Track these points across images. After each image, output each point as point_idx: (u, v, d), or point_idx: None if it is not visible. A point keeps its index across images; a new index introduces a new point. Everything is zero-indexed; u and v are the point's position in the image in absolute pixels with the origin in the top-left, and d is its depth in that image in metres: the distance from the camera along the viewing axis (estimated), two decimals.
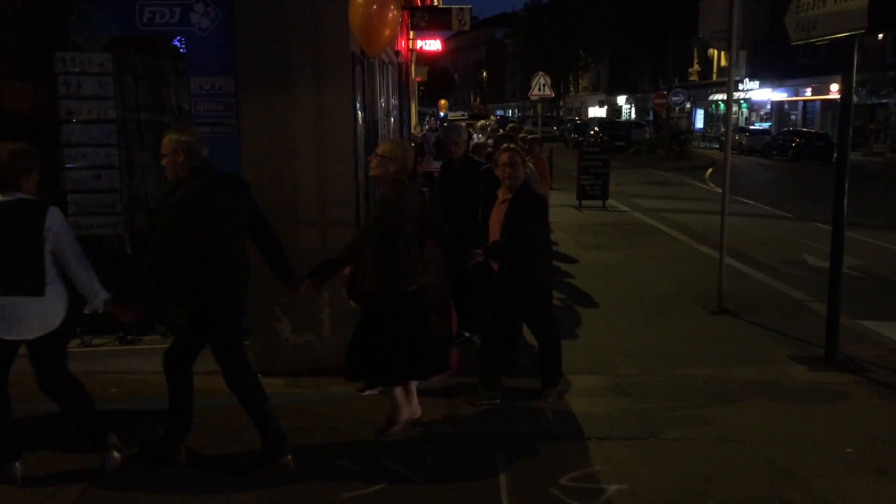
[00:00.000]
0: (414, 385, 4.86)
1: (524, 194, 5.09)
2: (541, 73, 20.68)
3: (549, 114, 55.88)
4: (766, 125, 43.67)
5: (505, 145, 5.40)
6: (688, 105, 43.46)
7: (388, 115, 10.86)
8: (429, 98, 52.94)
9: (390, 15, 5.38)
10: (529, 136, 8.56)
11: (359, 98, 6.27)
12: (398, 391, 4.73)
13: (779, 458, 4.46)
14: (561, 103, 67.61)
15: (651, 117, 47.37)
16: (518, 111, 74.27)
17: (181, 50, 5.86)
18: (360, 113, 6.34)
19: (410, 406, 4.83)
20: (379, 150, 4.62)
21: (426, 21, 14.18)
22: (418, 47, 21.12)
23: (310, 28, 5.49)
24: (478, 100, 73.91)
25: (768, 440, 4.69)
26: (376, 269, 4.52)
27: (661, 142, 34.48)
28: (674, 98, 31.34)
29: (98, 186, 5.72)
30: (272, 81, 5.51)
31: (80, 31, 5.68)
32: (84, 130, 5.72)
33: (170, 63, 5.95)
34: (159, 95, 6.07)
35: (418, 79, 26.32)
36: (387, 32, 5.44)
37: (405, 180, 4.62)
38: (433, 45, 19.89)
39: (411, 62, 20.76)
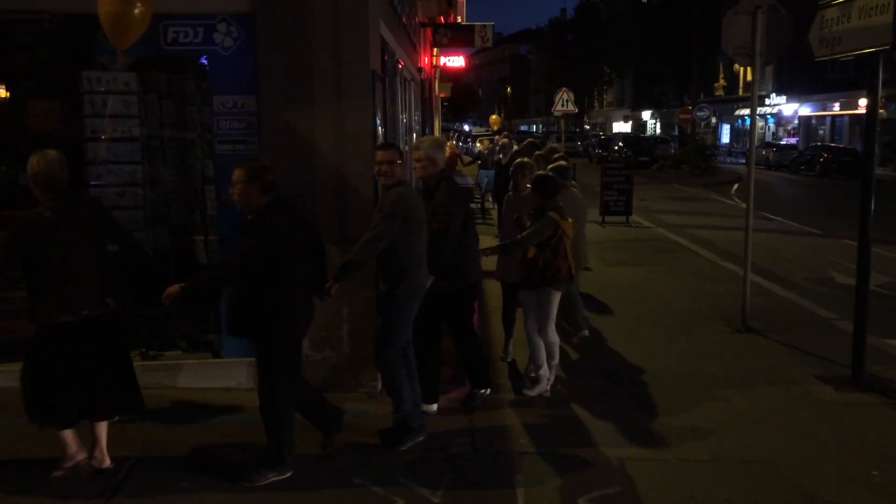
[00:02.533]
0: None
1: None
2: (564, 88, 20.67)
3: (574, 129, 55.78)
4: (793, 140, 43.23)
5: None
6: (713, 120, 43.11)
7: (409, 130, 10.92)
8: (453, 114, 53.10)
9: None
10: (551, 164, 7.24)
11: (379, 115, 6.30)
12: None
13: (803, 480, 4.38)
14: (585, 119, 67.50)
15: (676, 132, 47.10)
16: (542, 126, 74.27)
17: (204, 69, 5.94)
18: (380, 129, 6.38)
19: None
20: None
21: (449, 38, 14.26)
22: (441, 63, 21.23)
23: (330, 46, 5.53)
24: (501, 114, 74.05)
25: (792, 462, 4.61)
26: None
27: (686, 157, 34.22)
28: (699, 113, 31.12)
29: (122, 203, 5.80)
30: (293, 99, 5.56)
31: (106, 50, 5.78)
32: (109, 148, 5.81)
33: (193, 82, 6.03)
34: (182, 114, 6.16)
35: (441, 95, 26.43)
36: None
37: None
38: (456, 61, 19.99)
39: (434, 78, 20.87)
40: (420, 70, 13.38)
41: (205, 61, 5.85)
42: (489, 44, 14.41)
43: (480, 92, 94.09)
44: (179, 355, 5.86)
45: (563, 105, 20.02)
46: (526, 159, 6.83)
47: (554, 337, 5.80)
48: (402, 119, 9.16)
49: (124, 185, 5.83)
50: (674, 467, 4.53)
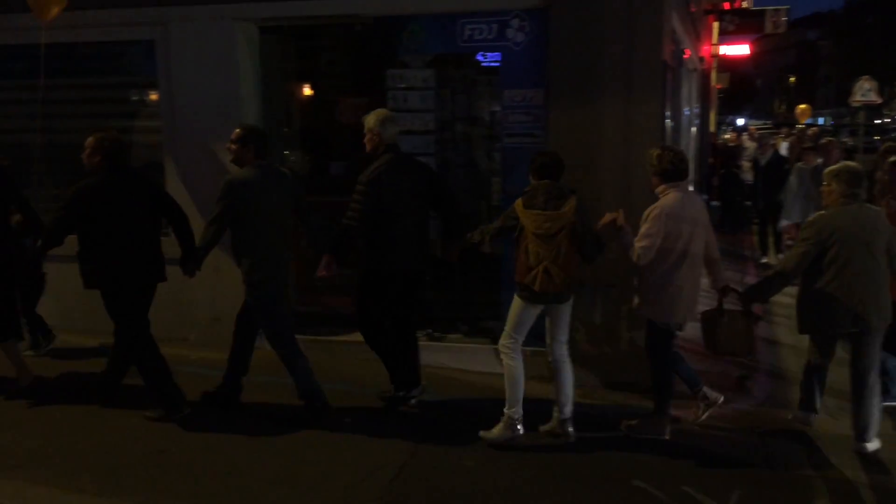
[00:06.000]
0: None
1: None
2: (865, 76, 18.50)
3: (871, 122, 49.79)
4: None
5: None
6: None
7: (690, 123, 10.43)
8: (727, 106, 49.94)
9: None
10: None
11: (668, 108, 6.08)
12: None
13: None
14: (885, 111, 59.98)
15: None
16: (831, 119, 67.37)
17: (495, 64, 6.13)
18: (668, 123, 6.15)
19: None
20: None
21: (735, 25, 13.38)
22: (721, 52, 20.01)
23: (623, 38, 5.42)
24: (783, 107, 68.31)
25: None
26: None
27: None
28: None
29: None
30: (582, 92, 5.54)
31: (408, 49, 6.20)
32: (407, 141, 6.23)
33: (484, 77, 6.26)
34: (473, 108, 6.43)
35: (718, 86, 24.96)
36: None
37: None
38: (740, 49, 18.72)
39: (712, 68, 19.75)
40: (701, 60, 12.74)
41: (494, 57, 6.05)
42: (782, 29, 13.32)
43: (759, 82, 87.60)
44: (460, 339, 6.15)
45: (863, 95, 17.93)
46: None
47: None
48: (685, 111, 8.77)
49: None
50: None
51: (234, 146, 4.88)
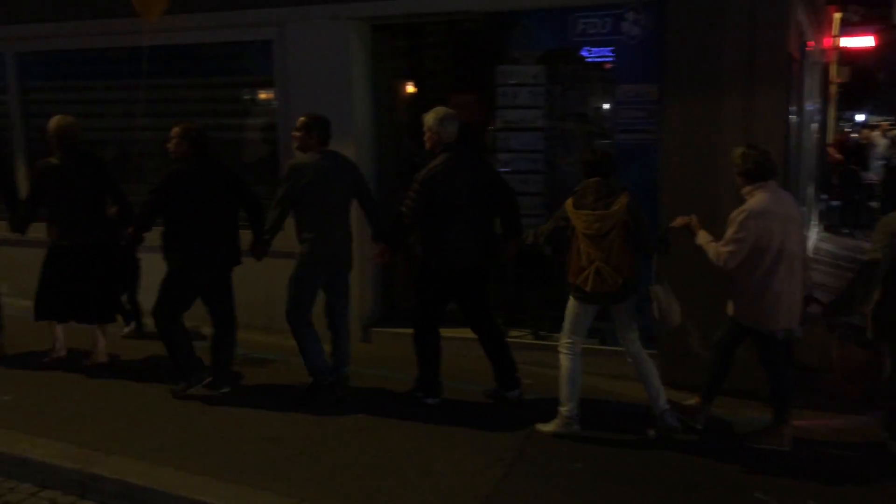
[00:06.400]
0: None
1: None
2: None
3: None
4: None
5: None
6: None
7: (812, 119, 9.91)
8: (846, 101, 47.31)
9: None
10: None
11: (792, 103, 5.78)
12: None
13: None
14: None
15: None
16: None
17: (603, 59, 6.00)
18: (792, 119, 5.85)
19: None
20: None
21: (860, 16, 12.63)
22: (842, 45, 18.92)
23: (745, 29, 5.19)
24: None
25: None
26: None
27: None
28: None
29: (525, 190, 6.13)
30: (699, 86, 5.33)
31: (519, 45, 6.15)
32: (515, 138, 6.19)
33: (597, 72, 6.13)
34: (584, 104, 6.31)
35: (838, 80, 23.64)
36: None
37: None
38: (864, 41, 17.63)
39: (832, 62, 18.70)
40: (823, 52, 12.09)
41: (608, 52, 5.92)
42: None
43: (881, 76, 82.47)
44: None
45: None
46: None
47: None
48: (808, 107, 8.34)
49: (528, 172, 6.17)
50: None
51: (298, 133, 5.12)
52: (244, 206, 5.31)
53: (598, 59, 6.11)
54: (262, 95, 6.99)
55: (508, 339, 5.28)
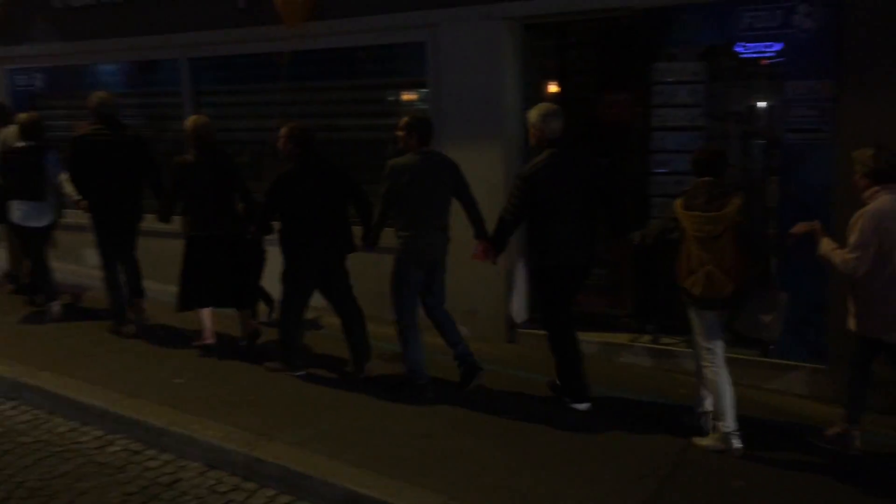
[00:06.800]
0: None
1: None
2: None
3: None
4: None
5: None
6: None
7: None
8: None
9: None
10: None
11: None
12: None
13: None
14: None
15: None
16: None
17: (776, 55, 5.65)
18: None
19: None
20: None
21: None
22: None
23: None
24: None
25: None
26: None
27: None
28: None
29: (679, 192, 5.89)
30: (884, 84, 4.93)
31: (677, 42, 5.92)
32: (672, 138, 5.96)
33: (763, 69, 5.80)
34: (746, 102, 5.99)
35: None
36: None
37: None
38: None
39: None
40: None
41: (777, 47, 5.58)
42: None
43: None
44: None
45: None
46: None
47: None
48: None
49: (685, 174, 5.88)
50: None
51: (401, 133, 5.22)
52: (352, 201, 5.54)
53: (764, 55, 5.77)
54: (411, 97, 7.11)
55: (660, 346, 5.10)
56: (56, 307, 7.16)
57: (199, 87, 8.10)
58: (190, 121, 6.09)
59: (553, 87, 6.89)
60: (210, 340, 6.26)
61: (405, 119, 5.27)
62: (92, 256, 7.13)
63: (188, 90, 8.09)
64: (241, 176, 6.19)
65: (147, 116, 8.53)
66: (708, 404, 4.61)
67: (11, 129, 7.29)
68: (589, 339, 5.86)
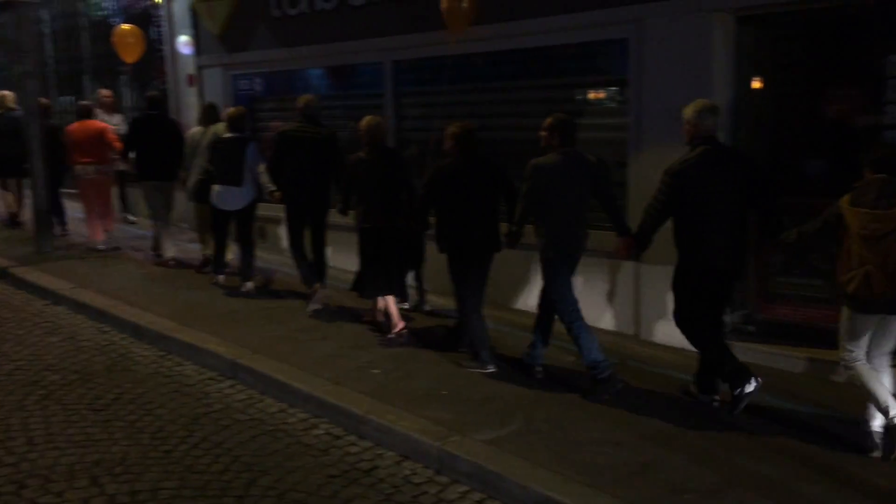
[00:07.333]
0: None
1: None
2: None
3: None
4: None
5: None
6: None
7: None
8: None
9: None
10: None
11: None
12: None
13: None
14: None
15: None
16: None
17: None
18: None
19: None
20: None
21: None
22: None
23: None
24: None
25: None
26: None
27: None
28: None
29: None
30: None
31: None
32: None
33: None
34: None
35: None
36: None
37: None
38: None
39: None
40: None
41: None
42: None
43: None
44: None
45: None
46: None
47: None
48: None
49: None
50: None
51: (544, 133, 5.35)
52: (504, 198, 5.75)
53: None
54: (608, 95, 6.93)
55: None
56: (250, 286, 7.97)
57: (399, 89, 8.39)
58: (364, 121, 6.50)
59: (767, 83, 6.41)
60: (401, 326, 6.48)
61: (549, 120, 5.38)
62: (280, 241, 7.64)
63: (390, 91, 8.40)
64: (408, 172, 6.56)
65: (350, 117, 8.96)
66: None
67: (221, 125, 8.23)
68: (796, 356, 5.48)
